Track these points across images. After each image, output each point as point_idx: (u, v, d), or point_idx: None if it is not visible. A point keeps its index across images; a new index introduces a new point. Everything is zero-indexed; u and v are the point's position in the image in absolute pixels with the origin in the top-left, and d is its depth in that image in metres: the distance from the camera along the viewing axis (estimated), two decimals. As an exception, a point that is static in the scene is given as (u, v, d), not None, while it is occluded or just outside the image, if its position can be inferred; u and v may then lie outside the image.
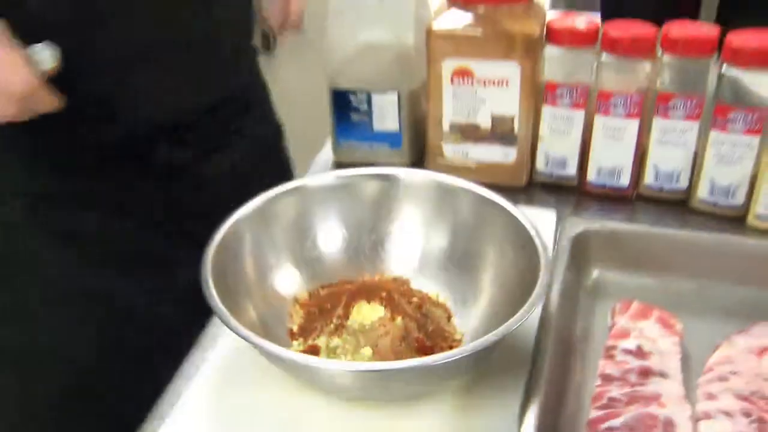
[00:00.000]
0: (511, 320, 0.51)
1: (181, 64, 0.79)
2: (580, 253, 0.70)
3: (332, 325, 0.60)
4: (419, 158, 0.92)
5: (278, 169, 1.00)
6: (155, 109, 0.80)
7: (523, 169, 0.87)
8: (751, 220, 0.80)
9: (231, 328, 0.51)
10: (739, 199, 0.80)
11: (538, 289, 0.54)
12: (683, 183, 0.83)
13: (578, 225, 0.71)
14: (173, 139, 0.82)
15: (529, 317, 0.52)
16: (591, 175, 0.85)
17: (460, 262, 0.66)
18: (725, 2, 1.12)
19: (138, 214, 0.82)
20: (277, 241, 0.65)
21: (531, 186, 0.88)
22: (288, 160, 1.03)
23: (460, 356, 0.50)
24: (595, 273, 0.71)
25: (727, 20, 0.88)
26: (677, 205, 0.84)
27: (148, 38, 0.75)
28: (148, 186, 0.83)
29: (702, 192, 0.82)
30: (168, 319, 0.82)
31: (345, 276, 0.67)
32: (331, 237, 0.68)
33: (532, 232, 0.59)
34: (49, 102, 0.67)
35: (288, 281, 0.65)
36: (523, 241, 0.59)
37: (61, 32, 0.68)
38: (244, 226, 0.62)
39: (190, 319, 0.66)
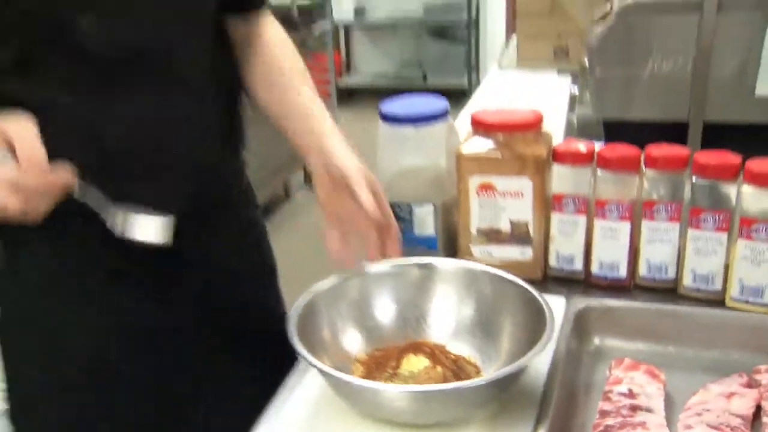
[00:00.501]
0: (524, 358, 0.69)
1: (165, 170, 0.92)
2: (583, 324, 0.87)
3: (387, 374, 0.77)
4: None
5: (255, 257, 1.15)
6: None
7: (538, 265, 1.05)
8: (728, 302, 0.96)
9: (313, 365, 0.69)
10: (718, 285, 0.97)
11: (545, 337, 0.71)
12: (671, 274, 1.01)
13: (581, 302, 0.89)
14: None
15: (537, 357, 0.69)
16: (594, 269, 1.03)
17: (485, 328, 0.84)
18: (706, 133, 1.33)
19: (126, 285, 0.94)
20: (343, 312, 0.83)
21: (546, 279, 1.06)
22: (268, 256, 1.18)
23: (486, 381, 0.67)
24: (596, 340, 0.88)
25: (708, 146, 1.08)
26: (668, 292, 1.01)
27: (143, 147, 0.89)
28: (135, 265, 0.92)
29: (687, 280, 0.99)
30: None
31: (395, 341, 0.85)
32: (384, 311, 0.86)
33: (540, 299, 0.77)
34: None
35: (352, 343, 0.83)
36: (533, 308, 0.77)
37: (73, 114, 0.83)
38: (319, 298, 0.81)
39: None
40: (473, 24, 5.30)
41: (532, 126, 1.04)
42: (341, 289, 0.84)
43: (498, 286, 0.84)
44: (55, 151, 0.76)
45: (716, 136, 1.32)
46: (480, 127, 1.05)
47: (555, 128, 1.68)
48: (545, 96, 2.11)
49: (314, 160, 0.94)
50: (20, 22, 0.82)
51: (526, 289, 0.80)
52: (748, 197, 0.92)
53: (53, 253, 0.92)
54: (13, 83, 0.83)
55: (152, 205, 0.84)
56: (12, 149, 0.74)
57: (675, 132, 1.34)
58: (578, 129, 1.78)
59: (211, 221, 1.03)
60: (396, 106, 1.12)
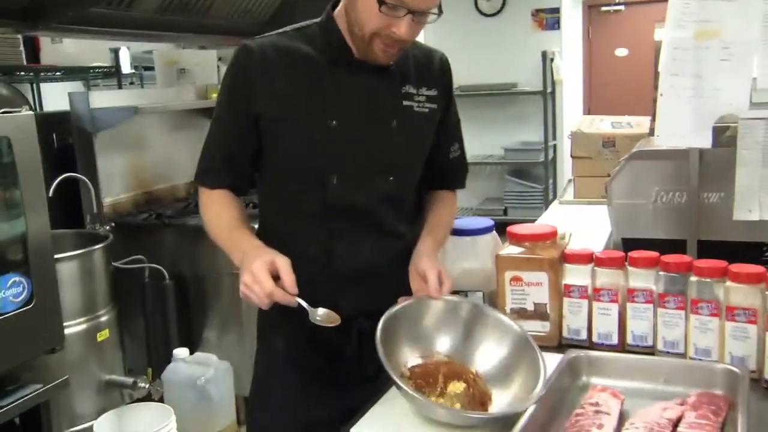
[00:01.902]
0: (532, 395, 1.12)
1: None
2: (574, 368, 1.28)
3: (438, 390, 1.21)
4: (495, 332, 1.54)
5: None
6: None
7: (554, 336, 1.47)
8: (687, 360, 1.35)
9: (396, 383, 1.14)
10: (681, 348, 1.36)
11: (540, 384, 1.14)
12: (650, 341, 1.40)
13: (572, 353, 1.30)
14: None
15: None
16: (595, 338, 1.44)
17: (503, 365, 1.27)
18: (701, 247, 1.73)
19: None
20: (415, 330, 1.28)
21: (561, 346, 1.47)
22: None
23: (505, 413, 1.11)
24: (584, 378, 1.29)
25: (703, 257, 1.47)
26: (649, 354, 1.40)
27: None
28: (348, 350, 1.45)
29: (660, 345, 1.38)
30: None
31: (438, 357, 1.29)
32: (438, 333, 1.31)
33: (540, 357, 1.20)
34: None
35: (412, 358, 1.27)
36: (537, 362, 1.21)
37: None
38: (397, 315, 1.26)
39: None
40: (550, 164, 5.82)
41: (549, 236, 1.49)
42: (410, 312, 1.29)
43: (522, 340, 1.27)
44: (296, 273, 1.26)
45: (709, 249, 1.73)
46: (513, 237, 1.51)
47: (598, 245, 2.12)
48: (595, 223, 2.54)
49: (413, 260, 1.41)
50: (290, 176, 1.37)
51: (534, 348, 1.24)
52: (696, 285, 1.33)
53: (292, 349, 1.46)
54: (275, 219, 1.40)
55: (361, 309, 1.37)
56: (275, 272, 1.24)
57: (677, 247, 1.75)
58: (613, 246, 2.20)
59: None
60: (457, 224, 1.60)
